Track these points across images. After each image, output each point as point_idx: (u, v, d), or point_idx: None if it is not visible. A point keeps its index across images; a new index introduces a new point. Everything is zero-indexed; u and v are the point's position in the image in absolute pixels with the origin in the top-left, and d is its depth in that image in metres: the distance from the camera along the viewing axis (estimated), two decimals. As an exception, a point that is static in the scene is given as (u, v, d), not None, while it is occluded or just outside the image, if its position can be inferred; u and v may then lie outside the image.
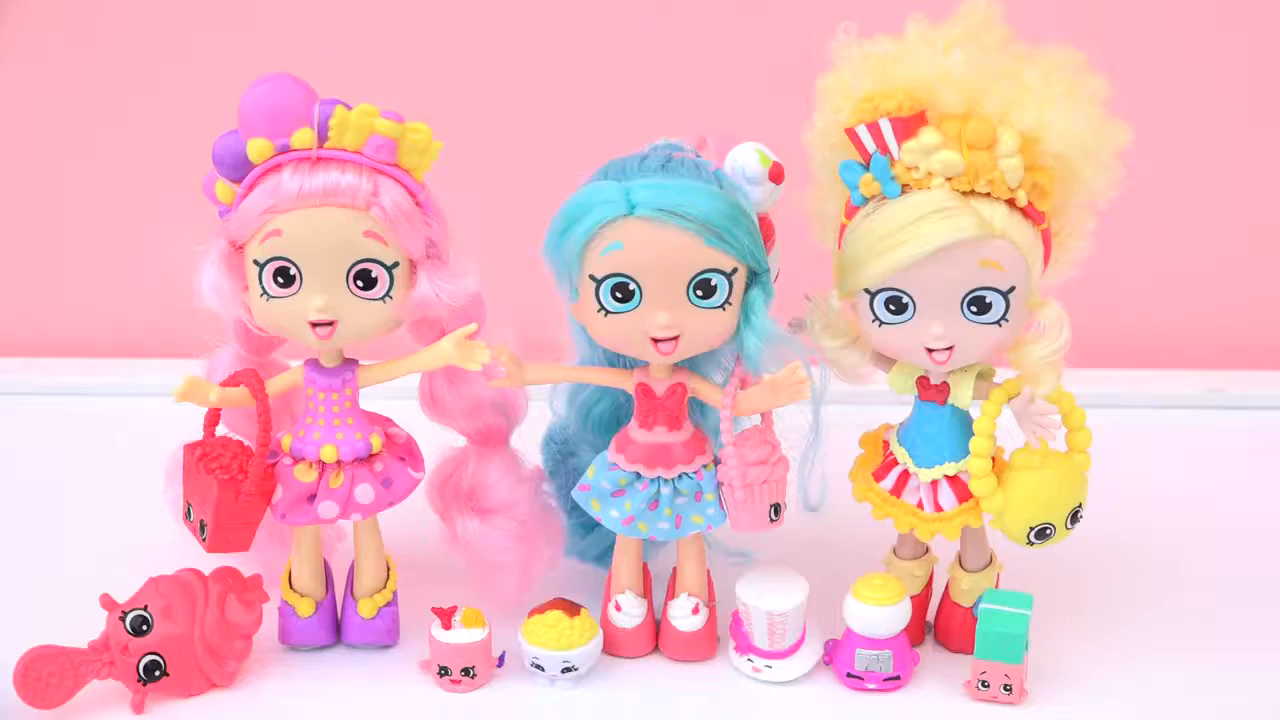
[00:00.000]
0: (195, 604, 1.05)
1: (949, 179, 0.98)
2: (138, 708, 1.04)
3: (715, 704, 1.08)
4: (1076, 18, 1.45)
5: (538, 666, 1.07)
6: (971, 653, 1.05)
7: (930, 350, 1.02)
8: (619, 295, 0.99)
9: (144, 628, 1.04)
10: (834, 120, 1.02)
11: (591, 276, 0.99)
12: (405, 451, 1.09)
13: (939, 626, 1.13)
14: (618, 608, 1.10)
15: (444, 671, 1.07)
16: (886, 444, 1.09)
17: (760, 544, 1.14)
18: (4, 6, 1.55)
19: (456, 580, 1.14)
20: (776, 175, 1.01)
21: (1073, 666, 1.10)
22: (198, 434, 1.06)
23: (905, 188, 0.99)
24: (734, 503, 1.05)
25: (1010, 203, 0.99)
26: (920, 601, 1.13)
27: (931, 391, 1.06)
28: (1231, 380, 1.56)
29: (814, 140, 1.05)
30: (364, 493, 1.06)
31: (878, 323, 1.02)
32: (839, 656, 1.08)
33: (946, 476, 1.06)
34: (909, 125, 0.98)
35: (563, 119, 1.55)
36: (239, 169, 1.00)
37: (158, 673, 1.04)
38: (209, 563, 1.08)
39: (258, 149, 0.99)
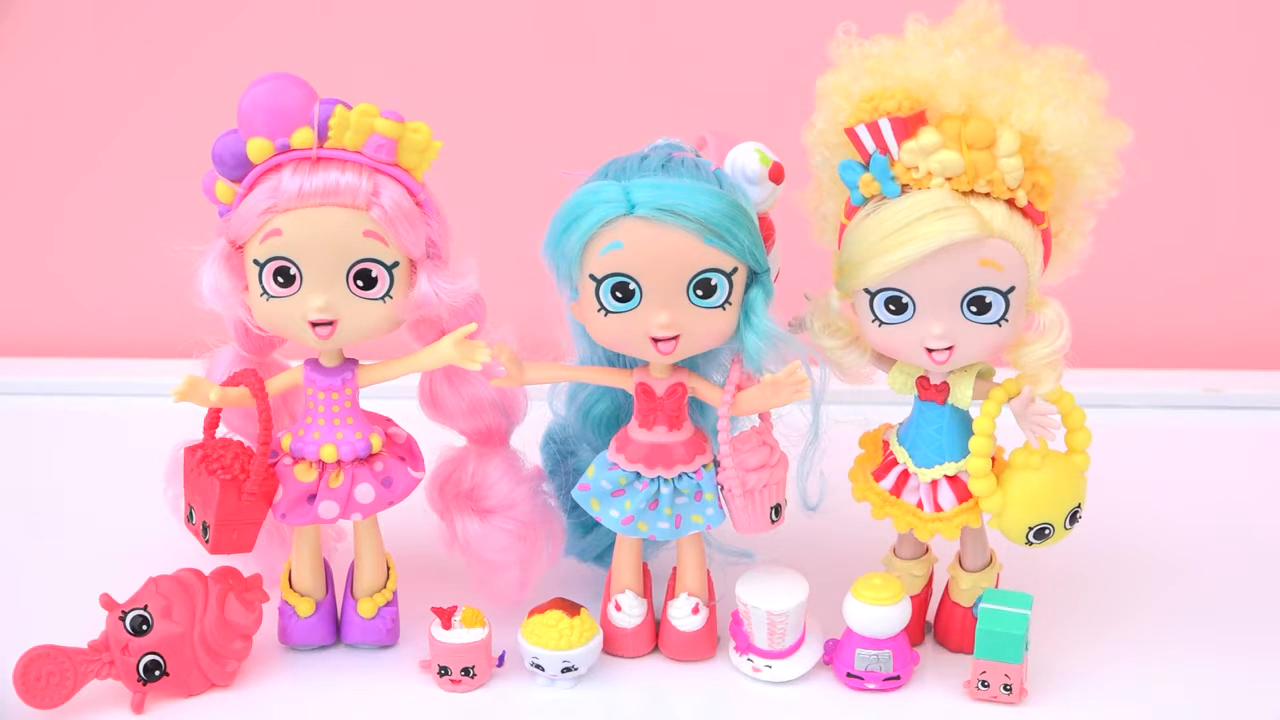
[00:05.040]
0: (195, 604, 1.05)
1: (948, 179, 0.98)
2: (137, 708, 1.04)
3: (715, 704, 1.08)
4: (1076, 18, 1.46)
5: (538, 666, 1.07)
6: (971, 652, 1.05)
7: (930, 350, 1.02)
8: (619, 295, 0.99)
9: (144, 627, 1.04)
10: (834, 120, 1.02)
11: (591, 276, 0.99)
12: (405, 451, 1.09)
13: (939, 626, 1.13)
14: (618, 607, 1.11)
15: (444, 671, 1.07)
16: (886, 444, 1.09)
17: (760, 544, 1.14)
18: (4, 6, 1.55)
19: (456, 580, 1.14)
20: (776, 175, 1.01)
21: (1073, 666, 1.10)
22: (198, 434, 1.07)
23: (905, 188, 0.99)
24: (734, 508, 1.05)
25: (1010, 203, 0.99)
26: (920, 601, 1.13)
27: (931, 391, 1.06)
28: (1230, 380, 1.56)
29: (813, 140, 1.05)
30: (364, 492, 1.06)
31: (877, 322, 1.02)
32: (839, 656, 1.08)
33: (946, 476, 1.06)
34: (908, 125, 0.98)
35: (563, 119, 1.55)
36: (239, 169, 1.00)
37: (158, 672, 1.04)
38: (209, 563, 1.08)
39: (258, 149, 0.99)
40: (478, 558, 1.11)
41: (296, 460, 1.06)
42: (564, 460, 1.15)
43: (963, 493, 1.06)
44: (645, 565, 1.13)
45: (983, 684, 1.05)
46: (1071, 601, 1.17)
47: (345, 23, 1.55)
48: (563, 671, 1.07)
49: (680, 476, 1.06)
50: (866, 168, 1.00)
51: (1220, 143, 1.56)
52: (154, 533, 1.20)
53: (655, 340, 1.00)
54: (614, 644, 1.11)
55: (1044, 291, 1.03)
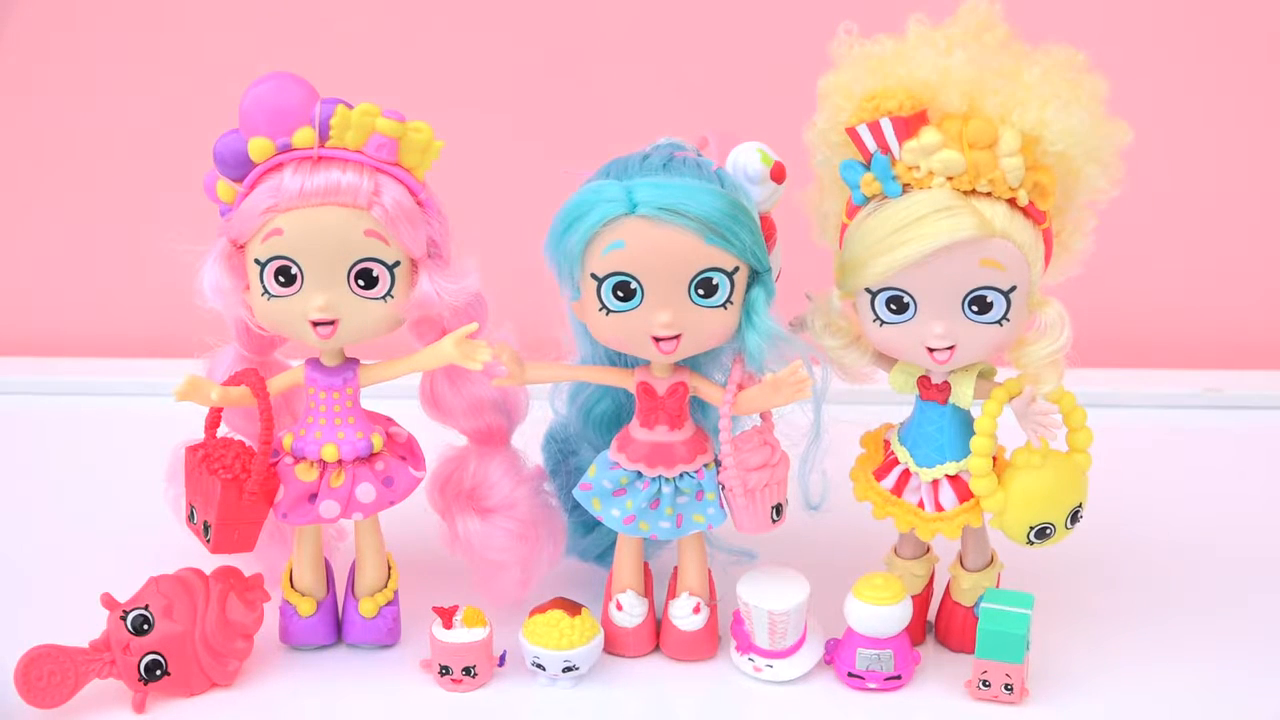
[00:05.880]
0: (196, 603, 1.05)
1: (950, 178, 0.98)
2: (139, 707, 1.04)
3: (716, 703, 1.08)
4: (1077, 17, 1.46)
5: (539, 666, 1.07)
6: (972, 652, 1.05)
7: (931, 350, 1.02)
8: (620, 294, 0.99)
9: (145, 627, 1.04)
10: (835, 119, 1.02)
11: (593, 275, 0.99)
12: (406, 451, 1.09)
13: (940, 626, 1.13)
14: (619, 607, 1.10)
15: (445, 671, 1.07)
16: (888, 443, 1.09)
17: (761, 543, 1.14)
18: (4, 6, 1.55)
19: (457, 579, 1.14)
20: (778, 174, 1.01)
21: (1073, 666, 1.10)
22: (198, 433, 1.07)
23: (906, 187, 0.99)
24: (736, 507, 1.05)
25: (1011, 202, 0.99)
26: (921, 601, 1.13)
27: (932, 391, 1.06)
28: (1231, 380, 1.56)
29: (815, 139, 1.05)
30: (365, 492, 1.06)
31: (879, 322, 1.02)
32: (840, 656, 1.08)
33: (947, 476, 1.06)
34: (910, 124, 0.98)
35: (564, 118, 1.55)
36: (240, 168, 1.00)
37: (159, 672, 1.04)
38: (210, 562, 1.08)
39: (259, 148, 0.99)
40: (479, 557, 1.11)
41: (298, 459, 1.06)
42: (565, 460, 1.15)
43: (964, 492, 1.06)
44: (646, 565, 1.13)
45: (984, 683, 1.05)
46: (1072, 601, 1.17)
47: (346, 22, 1.55)
48: (564, 671, 1.07)
49: (681, 476, 1.06)
50: (868, 167, 1.00)
51: (1221, 143, 1.57)
52: (155, 532, 1.20)
53: (657, 339, 1.00)
54: (615, 643, 1.11)
55: (1045, 291, 1.03)
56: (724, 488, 1.05)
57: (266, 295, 1.01)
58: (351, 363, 1.07)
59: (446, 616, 1.07)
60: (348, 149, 0.99)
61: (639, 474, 1.06)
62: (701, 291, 0.99)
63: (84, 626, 1.05)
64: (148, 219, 1.55)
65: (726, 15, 1.53)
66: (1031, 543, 1.04)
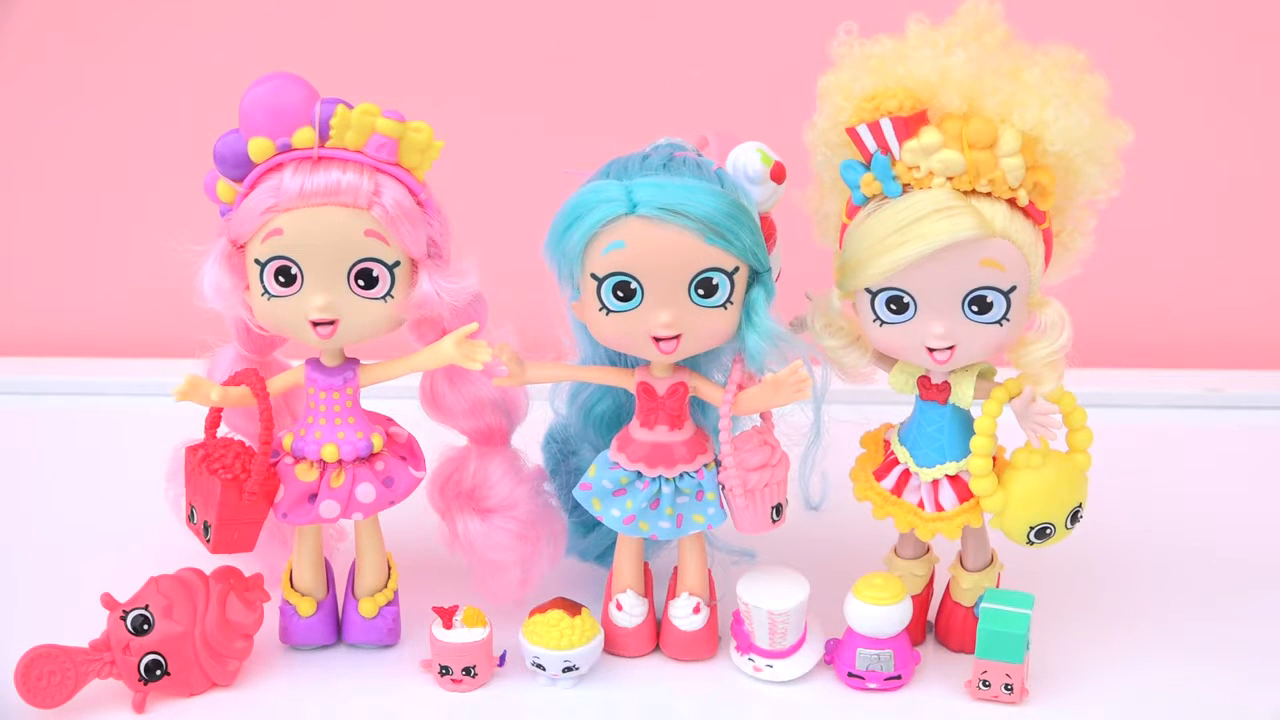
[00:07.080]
0: (196, 603, 1.05)
1: (950, 178, 0.98)
2: (139, 707, 1.04)
3: (716, 704, 1.08)
4: (1077, 17, 1.46)
5: (539, 666, 1.07)
6: (972, 652, 1.05)
7: (931, 350, 1.02)
8: (620, 294, 0.99)
9: (145, 627, 1.04)
10: (835, 120, 1.02)
11: (593, 275, 0.99)
12: (406, 451, 1.09)
13: (940, 626, 1.13)
14: (619, 607, 1.11)
15: (445, 671, 1.07)
16: (888, 443, 1.09)
17: (761, 543, 1.14)
18: (4, 6, 1.55)
19: (457, 580, 1.14)
20: (778, 174, 1.01)
21: (1073, 666, 1.10)
22: (198, 433, 1.07)
23: (906, 187, 0.99)
24: (736, 508, 1.05)
25: (1011, 202, 0.99)
26: (921, 601, 1.13)
27: (932, 391, 1.06)
28: (1231, 380, 1.56)
29: (815, 140, 1.05)
30: (365, 492, 1.06)
31: (879, 322, 1.02)
32: (840, 656, 1.08)
33: (947, 476, 1.06)
34: (910, 124, 0.98)
35: (564, 118, 1.56)
36: (240, 168, 1.00)
37: (159, 672, 1.04)
38: (210, 562, 1.08)
39: (259, 148, 0.99)
40: (479, 557, 1.11)
41: (298, 459, 1.06)
42: (565, 460, 1.15)
43: (964, 492, 1.06)
44: (646, 565, 1.13)
45: (984, 684, 1.05)
46: (1072, 601, 1.17)
47: (346, 22, 1.55)
48: (564, 671, 1.07)
49: (681, 476, 1.06)
50: (868, 167, 1.00)
51: (1221, 142, 1.57)
52: (155, 532, 1.20)
53: (657, 339, 1.01)
54: (615, 643, 1.11)
55: (1045, 291, 1.03)
56: (724, 488, 1.05)
57: (266, 295, 1.01)
58: (351, 363, 1.07)
59: (446, 616, 1.07)
60: (348, 149, 0.99)
61: (639, 474, 1.06)
62: (701, 291, 0.99)
63: (84, 626, 1.05)
64: (148, 219, 1.56)
65: (727, 15, 1.53)
66: (1031, 543, 1.04)
